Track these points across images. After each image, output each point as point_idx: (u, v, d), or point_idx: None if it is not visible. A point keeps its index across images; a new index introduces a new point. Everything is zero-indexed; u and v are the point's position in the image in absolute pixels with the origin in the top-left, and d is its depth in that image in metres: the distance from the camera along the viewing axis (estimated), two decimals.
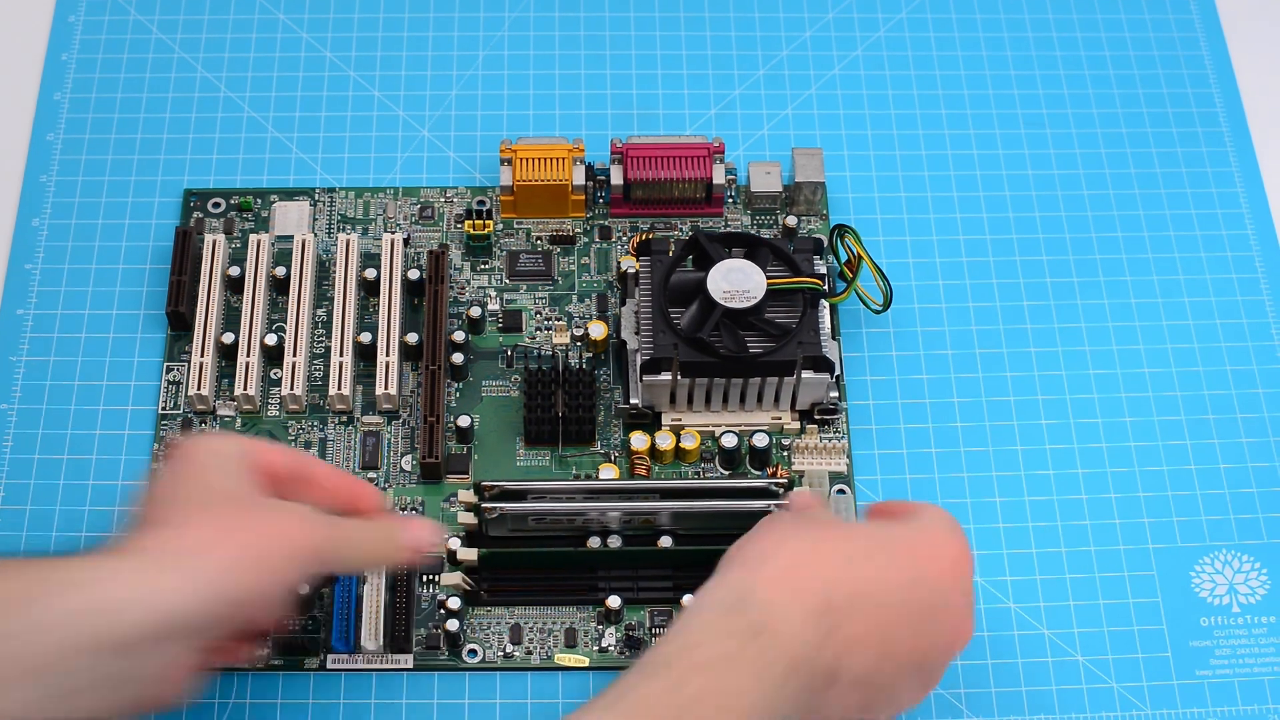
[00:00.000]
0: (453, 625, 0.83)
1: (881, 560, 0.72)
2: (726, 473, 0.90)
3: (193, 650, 0.71)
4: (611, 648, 0.84)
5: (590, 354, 0.93)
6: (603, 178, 0.98)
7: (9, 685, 0.66)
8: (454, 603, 0.84)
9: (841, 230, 0.93)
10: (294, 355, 0.91)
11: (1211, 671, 0.85)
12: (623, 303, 0.93)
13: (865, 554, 0.73)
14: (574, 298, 0.96)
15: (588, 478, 0.89)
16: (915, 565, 0.73)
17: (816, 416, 0.91)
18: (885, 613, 0.71)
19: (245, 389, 0.90)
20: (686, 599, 0.84)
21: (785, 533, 0.74)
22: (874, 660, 0.71)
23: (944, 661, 0.75)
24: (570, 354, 0.93)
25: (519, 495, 0.84)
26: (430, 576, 0.86)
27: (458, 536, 0.85)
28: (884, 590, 0.71)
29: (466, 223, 0.97)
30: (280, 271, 0.94)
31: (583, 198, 0.97)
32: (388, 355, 0.91)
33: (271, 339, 0.92)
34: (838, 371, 0.91)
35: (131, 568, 0.69)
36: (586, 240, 0.98)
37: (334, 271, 0.95)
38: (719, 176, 0.96)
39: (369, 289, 0.95)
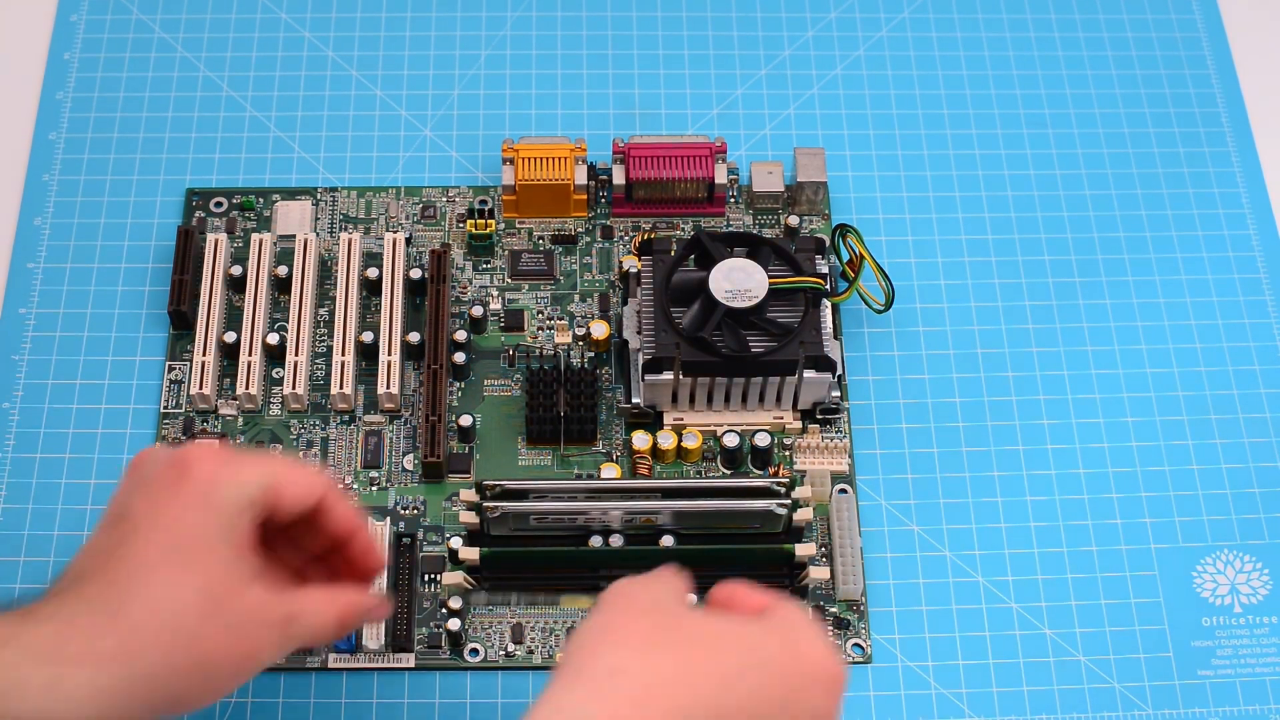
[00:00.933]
0: (454, 624, 0.83)
1: (753, 681, 0.63)
2: (728, 472, 0.90)
3: None
4: None
5: (592, 353, 0.93)
6: (605, 177, 0.98)
7: None
8: (455, 602, 0.84)
9: (843, 230, 0.93)
10: (296, 354, 0.91)
11: (1213, 672, 0.85)
12: (624, 302, 0.93)
13: (738, 674, 0.63)
14: (576, 297, 0.96)
15: (589, 477, 0.89)
16: (787, 688, 0.64)
17: (818, 416, 0.91)
18: None
19: (247, 388, 0.90)
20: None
21: (646, 639, 0.63)
22: None
23: None
24: (572, 353, 0.93)
25: (521, 494, 0.84)
26: (432, 576, 0.86)
27: (460, 536, 0.86)
28: (749, 716, 0.62)
29: (468, 222, 0.97)
30: (282, 271, 0.94)
31: (585, 197, 0.97)
32: (390, 354, 0.91)
33: (273, 338, 0.92)
34: (839, 371, 0.91)
35: (70, 690, 0.62)
36: (588, 240, 0.98)
37: (336, 271, 0.95)
38: (721, 176, 0.96)
39: (371, 288, 0.95)
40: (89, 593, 0.65)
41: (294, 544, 0.72)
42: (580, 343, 0.94)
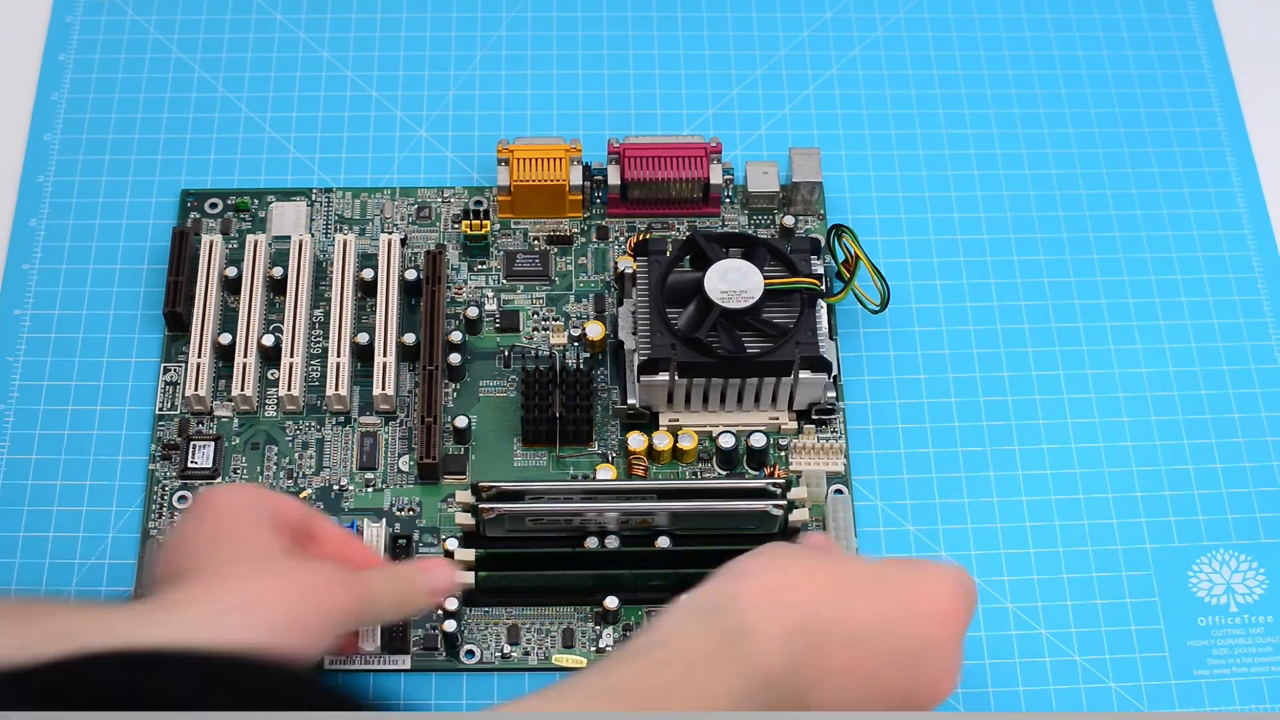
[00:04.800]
0: (450, 626, 0.83)
1: (871, 597, 0.70)
2: (724, 473, 0.90)
3: None
4: (609, 648, 0.84)
5: (588, 354, 0.93)
6: (600, 178, 0.98)
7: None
8: (451, 603, 0.84)
9: (839, 230, 0.93)
10: (291, 356, 0.91)
11: (1209, 671, 0.85)
12: (620, 303, 0.93)
13: (855, 586, 0.71)
14: (571, 298, 0.96)
15: (585, 478, 0.89)
16: (905, 607, 0.70)
17: (814, 417, 0.91)
18: (860, 651, 0.69)
19: (242, 389, 0.90)
20: (684, 598, 0.84)
21: (778, 554, 0.73)
22: (852, 691, 0.69)
23: (927, 706, 0.71)
24: (568, 354, 0.93)
25: (516, 496, 0.84)
26: None
27: (455, 537, 0.86)
28: (862, 627, 0.69)
29: (464, 223, 0.97)
30: (277, 272, 0.94)
31: (580, 198, 0.97)
32: (385, 356, 0.91)
33: (269, 339, 0.92)
34: (835, 371, 0.91)
35: (180, 621, 0.68)
36: (584, 240, 0.98)
37: (331, 272, 0.95)
38: (716, 176, 0.96)
39: (366, 289, 0.95)
40: (191, 570, 0.72)
41: None
42: (576, 344, 0.94)
